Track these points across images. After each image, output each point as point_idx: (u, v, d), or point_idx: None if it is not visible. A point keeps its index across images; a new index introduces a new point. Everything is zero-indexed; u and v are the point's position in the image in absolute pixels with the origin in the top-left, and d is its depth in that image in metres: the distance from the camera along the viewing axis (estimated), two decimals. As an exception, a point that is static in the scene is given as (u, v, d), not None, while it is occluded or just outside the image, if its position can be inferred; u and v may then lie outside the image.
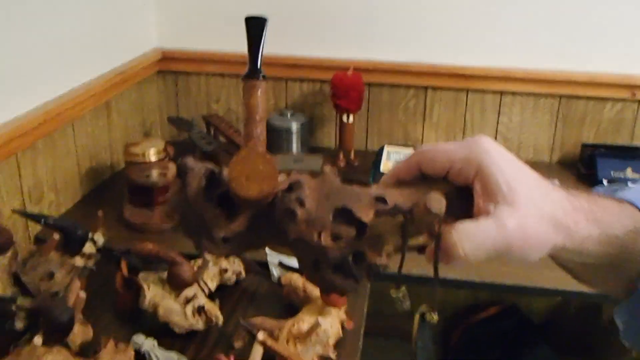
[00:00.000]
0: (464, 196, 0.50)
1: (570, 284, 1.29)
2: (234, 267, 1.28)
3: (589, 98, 1.90)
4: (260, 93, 0.53)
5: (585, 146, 1.90)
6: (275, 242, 0.51)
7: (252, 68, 0.54)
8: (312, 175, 0.51)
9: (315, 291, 1.16)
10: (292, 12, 1.93)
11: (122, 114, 1.84)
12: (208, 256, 1.22)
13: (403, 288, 0.52)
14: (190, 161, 0.51)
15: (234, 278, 1.28)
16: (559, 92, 1.90)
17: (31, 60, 1.41)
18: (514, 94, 1.93)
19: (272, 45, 1.94)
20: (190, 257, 1.18)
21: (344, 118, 1.86)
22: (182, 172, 0.50)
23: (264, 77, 0.54)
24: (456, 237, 0.47)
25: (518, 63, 1.89)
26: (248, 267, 1.31)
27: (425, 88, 1.96)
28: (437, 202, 0.45)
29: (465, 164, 0.49)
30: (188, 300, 1.14)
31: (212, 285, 1.22)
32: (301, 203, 0.48)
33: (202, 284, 1.20)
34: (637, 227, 0.50)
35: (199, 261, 1.22)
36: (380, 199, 0.49)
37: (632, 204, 0.51)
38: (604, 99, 1.90)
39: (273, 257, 1.30)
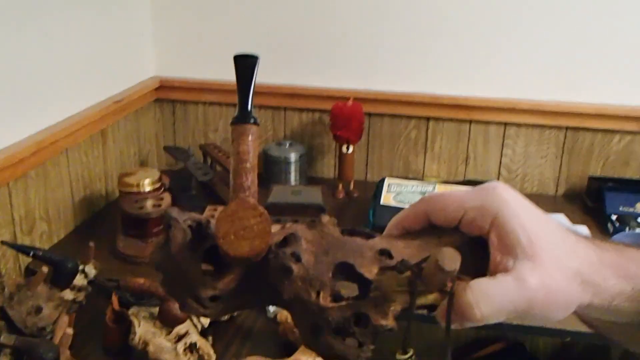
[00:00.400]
0: (478, 249, 0.46)
1: (579, 325, 1.27)
2: (228, 302, 1.24)
3: (596, 130, 1.86)
4: (252, 139, 0.47)
5: (592, 179, 1.86)
6: (269, 302, 0.47)
7: (241, 111, 0.48)
8: (308, 226, 0.47)
9: (312, 329, 1.12)
10: (292, 41, 1.92)
11: (118, 143, 1.81)
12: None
13: (411, 351, 0.47)
14: (174, 212, 0.46)
15: (228, 314, 1.24)
16: (565, 123, 1.86)
17: (25, 88, 1.39)
18: (518, 125, 1.90)
19: (271, 75, 1.93)
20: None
21: (344, 149, 1.83)
22: (167, 225, 0.46)
23: (255, 121, 0.48)
24: (472, 297, 0.43)
25: (523, 94, 1.86)
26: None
27: (427, 119, 1.93)
28: (451, 259, 0.41)
29: (480, 213, 0.45)
30: (180, 338, 1.10)
31: (205, 321, 1.18)
32: (297, 258, 0.44)
33: (194, 320, 1.16)
34: None
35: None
36: (385, 253, 0.45)
37: None
38: (611, 131, 1.86)
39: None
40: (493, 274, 0.44)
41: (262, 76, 1.73)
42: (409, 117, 1.94)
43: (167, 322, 1.08)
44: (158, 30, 1.98)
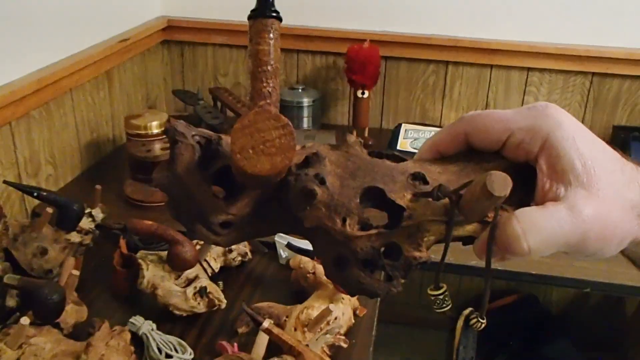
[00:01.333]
0: (522, 177, 0.40)
1: (601, 275, 1.24)
2: (239, 247, 1.20)
3: (624, 77, 1.79)
4: (273, 36, 0.39)
5: (617, 128, 1.80)
6: (287, 229, 0.41)
7: (261, 2, 0.39)
8: (332, 147, 0.41)
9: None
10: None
11: (125, 86, 1.76)
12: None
13: (444, 287, 0.42)
14: (181, 125, 0.40)
15: (239, 259, 1.20)
16: (592, 69, 1.79)
17: (27, 24, 1.33)
18: (541, 71, 1.83)
19: (282, 15, 1.85)
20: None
21: (359, 94, 1.77)
22: (172, 140, 0.40)
23: (277, 15, 0.39)
24: (519, 227, 0.38)
25: (547, 37, 1.78)
26: (254, 247, 1.23)
27: (446, 63, 1.86)
28: (502, 184, 0.35)
29: (529, 135, 0.40)
30: (189, 282, 1.07)
31: (216, 266, 1.15)
32: (321, 181, 0.39)
33: (204, 264, 1.12)
34: None
35: (202, 241, 1.14)
36: (419, 177, 0.40)
37: None
38: (640, 78, 1.79)
39: (281, 238, 1.21)
40: (540, 203, 0.39)
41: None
42: (428, 61, 1.87)
43: (176, 266, 1.03)
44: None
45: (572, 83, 1.83)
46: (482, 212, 0.38)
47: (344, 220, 0.38)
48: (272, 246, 1.24)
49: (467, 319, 0.42)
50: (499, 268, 1.26)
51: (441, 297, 0.41)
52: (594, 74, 1.80)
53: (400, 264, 0.38)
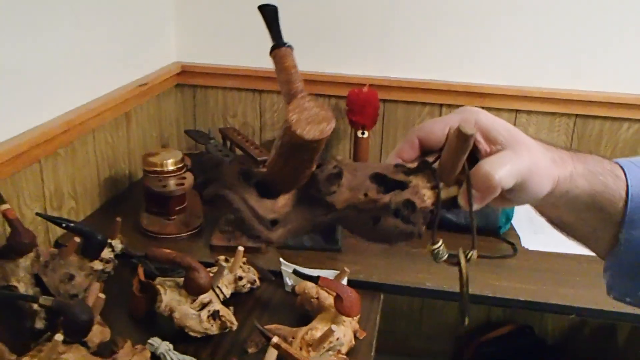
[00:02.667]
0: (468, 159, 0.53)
1: (585, 301, 1.31)
2: (248, 275, 1.30)
3: (605, 118, 1.91)
4: (293, 57, 0.54)
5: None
6: (323, 220, 0.51)
7: (277, 40, 0.55)
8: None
9: (329, 300, 1.17)
10: (310, 29, 1.96)
11: (141, 125, 1.88)
12: (223, 263, 1.24)
13: (440, 241, 0.53)
14: (213, 154, 0.52)
15: (248, 286, 1.30)
16: (575, 111, 1.91)
17: (56, 70, 1.45)
18: (529, 112, 1.94)
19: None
20: (205, 265, 1.20)
21: (359, 134, 1.88)
22: (213, 164, 0.51)
23: (290, 45, 0.55)
24: (488, 166, 0.51)
25: (534, 82, 1.91)
26: (262, 275, 1.33)
27: (441, 105, 1.98)
28: (470, 125, 0.48)
29: (463, 123, 0.53)
30: (203, 306, 1.16)
31: (227, 292, 1.24)
32: (339, 169, 0.51)
33: (217, 290, 1.22)
34: (617, 174, 0.55)
35: (215, 268, 1.24)
36: (401, 166, 0.53)
37: (614, 162, 0.57)
38: (620, 119, 1.90)
39: (287, 266, 1.31)
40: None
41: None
42: (423, 104, 1.99)
43: (192, 290, 1.14)
44: (181, 17, 2.04)
45: (558, 124, 1.94)
46: (456, 167, 0.51)
47: (365, 195, 0.51)
48: (279, 274, 1.34)
49: (465, 255, 0.54)
50: (490, 295, 1.35)
51: (440, 248, 0.54)
52: (577, 115, 1.92)
53: (417, 214, 0.51)
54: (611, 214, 0.56)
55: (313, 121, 0.46)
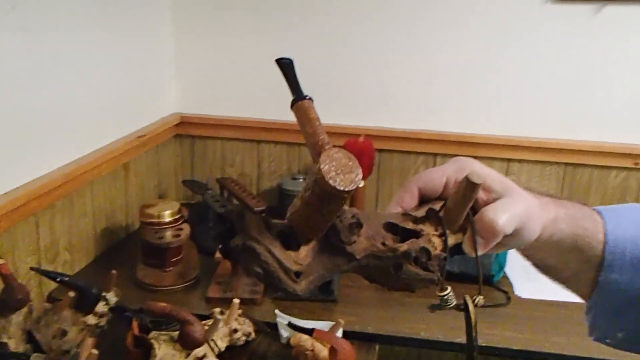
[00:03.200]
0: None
1: (577, 350, 1.31)
2: (243, 327, 1.29)
3: (593, 166, 1.95)
4: (314, 109, 0.57)
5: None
6: (342, 268, 0.53)
7: (297, 93, 0.58)
8: None
9: (324, 352, 1.17)
10: (306, 81, 1.99)
11: (139, 176, 1.90)
12: (218, 316, 1.24)
13: (449, 288, 0.56)
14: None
15: (243, 339, 1.29)
16: (565, 160, 1.95)
17: (55, 123, 1.47)
18: (520, 161, 1.98)
19: (286, 112, 2.00)
20: (200, 317, 1.19)
21: (355, 183, 1.89)
22: (237, 214, 0.52)
23: (310, 98, 0.58)
24: (491, 213, 0.53)
25: (524, 132, 1.95)
26: (257, 327, 1.32)
27: (435, 155, 2.01)
28: (477, 175, 0.51)
29: (460, 172, 0.56)
30: (198, 360, 1.15)
31: (222, 345, 1.23)
32: (358, 219, 0.52)
33: (212, 344, 1.21)
34: (595, 218, 0.59)
35: (210, 321, 1.24)
36: (408, 215, 0.55)
37: (590, 208, 0.61)
38: (608, 168, 1.94)
39: (282, 318, 1.31)
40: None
41: (277, 114, 1.85)
42: (418, 153, 2.01)
43: (187, 344, 1.13)
44: (179, 70, 2.08)
45: (548, 172, 1.98)
46: (461, 216, 0.53)
47: (383, 243, 0.53)
48: (274, 326, 1.33)
49: (473, 301, 0.57)
50: (484, 345, 1.34)
51: (449, 295, 0.56)
52: (566, 164, 1.96)
53: (433, 261, 0.53)
54: (591, 257, 0.58)
55: (343, 172, 0.47)
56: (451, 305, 0.56)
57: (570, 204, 0.60)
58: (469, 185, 0.50)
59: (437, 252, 0.53)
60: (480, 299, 0.56)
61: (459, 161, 0.58)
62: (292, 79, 0.59)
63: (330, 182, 0.46)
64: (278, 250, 0.50)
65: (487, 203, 0.55)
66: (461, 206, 0.52)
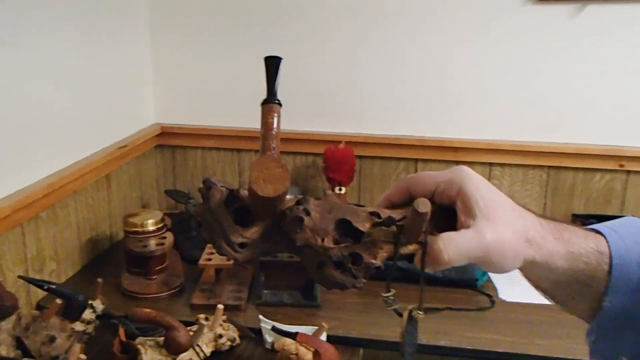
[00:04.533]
0: (448, 214, 0.57)
1: (561, 352, 1.33)
2: (228, 333, 1.31)
3: (577, 169, 1.96)
4: (277, 114, 0.59)
5: (576, 217, 1.94)
6: (284, 249, 0.58)
7: (269, 95, 0.61)
8: (317, 198, 0.59)
9: (307, 355, 1.19)
10: (286, 89, 2.02)
11: (122, 187, 1.91)
12: (203, 321, 1.25)
13: (393, 291, 0.58)
14: (213, 178, 0.60)
15: (228, 344, 1.31)
16: (548, 163, 1.97)
17: (36, 135, 1.49)
18: (502, 165, 2.00)
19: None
20: (186, 324, 1.21)
21: (336, 190, 1.92)
22: (207, 186, 0.58)
23: (279, 102, 0.60)
24: (442, 244, 0.54)
25: (506, 136, 1.97)
26: (242, 333, 1.34)
27: (416, 160, 2.03)
28: (424, 204, 0.52)
29: (449, 185, 0.56)
30: (184, 365, 1.16)
31: (207, 350, 1.25)
32: (307, 212, 0.56)
33: (197, 349, 1.23)
34: (601, 250, 0.57)
35: (195, 327, 1.25)
36: (375, 214, 0.57)
37: (598, 232, 0.59)
38: (592, 170, 1.95)
39: (266, 323, 1.33)
40: (459, 230, 0.56)
41: (257, 122, 1.85)
42: (398, 159, 2.04)
43: (172, 349, 1.15)
44: (159, 80, 2.10)
45: (531, 176, 2.00)
46: (417, 232, 0.54)
47: (322, 239, 0.56)
48: (259, 331, 1.35)
49: (410, 313, 0.58)
50: (468, 347, 1.36)
51: (392, 297, 0.58)
52: (549, 167, 1.97)
53: (362, 268, 0.55)
54: (592, 287, 0.57)
55: (270, 180, 0.52)
56: (392, 307, 0.58)
57: (574, 235, 0.57)
58: (414, 212, 0.52)
59: (372, 260, 0.55)
60: (419, 314, 0.58)
61: (455, 172, 0.57)
62: (272, 79, 0.62)
63: (254, 187, 0.52)
64: (227, 224, 0.56)
65: (462, 225, 0.55)
66: (413, 226, 0.54)
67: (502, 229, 0.54)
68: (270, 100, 0.60)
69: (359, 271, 0.55)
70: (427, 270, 0.55)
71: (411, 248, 0.56)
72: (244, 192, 0.57)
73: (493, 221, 0.54)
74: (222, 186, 0.58)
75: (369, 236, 0.56)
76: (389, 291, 0.58)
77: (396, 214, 0.56)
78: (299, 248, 0.56)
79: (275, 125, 0.59)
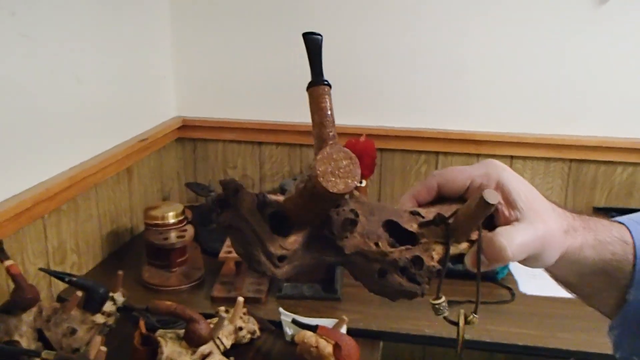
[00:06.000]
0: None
1: (583, 345, 1.32)
2: (248, 325, 1.31)
3: (599, 162, 1.94)
4: (328, 97, 0.53)
5: (597, 210, 1.93)
6: (330, 260, 0.52)
7: (316, 77, 0.54)
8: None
9: (328, 348, 1.18)
10: (305, 80, 2.01)
11: (143, 180, 1.91)
12: (223, 314, 1.25)
13: (443, 297, 0.53)
14: (238, 180, 0.51)
15: (248, 337, 1.31)
16: (569, 156, 1.95)
17: (60, 128, 1.49)
18: (524, 158, 1.98)
19: (287, 114, 2.03)
20: (206, 316, 1.21)
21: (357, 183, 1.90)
22: (233, 189, 0.50)
23: (328, 84, 0.54)
24: (504, 240, 0.51)
25: (528, 128, 1.95)
26: (262, 325, 1.34)
27: (437, 153, 2.02)
28: (494, 195, 0.47)
29: (486, 178, 0.54)
30: (204, 357, 1.17)
31: (228, 343, 1.25)
32: (355, 214, 0.50)
33: (217, 341, 1.23)
34: (625, 240, 0.56)
35: (215, 319, 1.25)
36: (417, 213, 0.53)
37: (621, 223, 0.58)
38: (614, 163, 1.93)
39: (286, 316, 1.32)
40: (504, 225, 0.53)
41: (279, 115, 1.86)
42: (419, 152, 2.03)
43: (193, 341, 1.15)
44: (180, 74, 2.10)
45: (553, 169, 1.98)
46: (470, 229, 0.51)
47: (376, 244, 0.51)
48: (279, 324, 1.35)
49: (465, 318, 0.54)
50: (489, 341, 1.35)
51: (442, 305, 0.53)
52: (571, 160, 1.95)
53: (424, 272, 0.51)
54: (618, 279, 0.56)
55: (340, 174, 0.45)
56: (443, 315, 0.54)
57: (600, 224, 0.57)
58: (482, 204, 0.47)
59: (432, 263, 0.50)
60: (474, 319, 0.54)
61: (489, 165, 0.55)
62: (315, 59, 0.55)
63: (323, 182, 0.44)
64: (265, 233, 0.49)
65: (507, 220, 0.53)
66: (471, 220, 0.50)
67: (548, 221, 0.53)
68: (319, 82, 0.54)
69: (422, 276, 0.51)
70: (483, 268, 0.51)
71: (462, 247, 0.53)
72: (271, 197, 0.51)
73: (539, 213, 0.53)
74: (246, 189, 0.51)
75: (422, 237, 0.51)
76: (439, 297, 0.53)
77: (433, 212, 0.53)
78: (347, 257, 0.50)
79: (329, 110, 0.53)
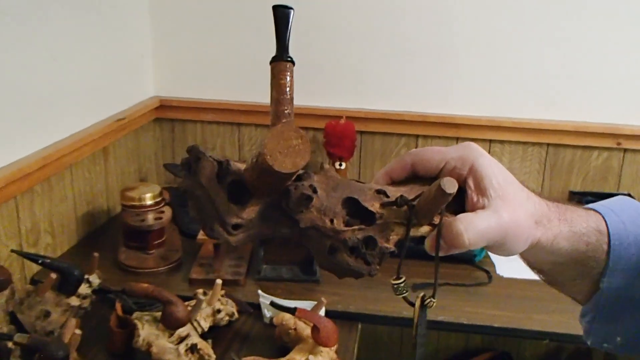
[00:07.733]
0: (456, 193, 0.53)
1: (558, 326, 1.34)
2: (226, 308, 1.30)
3: (575, 147, 1.97)
4: (289, 74, 0.52)
5: (573, 194, 1.95)
6: (284, 232, 0.51)
7: (280, 51, 0.53)
8: (315, 172, 0.52)
9: (306, 330, 1.18)
10: (287, 63, 1.99)
11: (119, 160, 1.88)
12: (201, 296, 1.24)
13: (403, 277, 0.53)
14: (201, 147, 0.51)
15: (226, 319, 1.30)
16: (547, 140, 1.97)
17: (34, 106, 1.46)
18: (502, 142, 1.99)
19: (266, 95, 2.00)
20: (184, 298, 1.20)
21: (337, 165, 1.90)
22: (195, 157, 0.50)
23: (291, 59, 0.53)
24: (462, 226, 0.50)
25: (506, 113, 1.96)
26: (240, 308, 1.33)
27: (417, 136, 2.02)
28: (452, 184, 0.47)
29: (460, 162, 0.53)
30: (181, 340, 1.16)
31: (205, 325, 1.24)
32: (314, 190, 0.50)
33: (195, 324, 1.22)
34: (600, 229, 0.56)
35: (193, 302, 1.24)
36: (382, 192, 0.52)
37: (597, 212, 0.57)
38: (590, 148, 1.96)
39: (265, 298, 1.32)
40: (471, 211, 0.52)
41: (258, 97, 1.84)
42: (399, 135, 2.02)
43: (170, 324, 1.14)
44: (158, 53, 2.07)
45: (530, 153, 1.99)
46: (432, 214, 0.50)
47: (331, 220, 0.50)
48: (257, 306, 1.34)
49: (422, 300, 0.54)
50: (466, 322, 1.36)
51: (402, 285, 0.53)
52: (548, 144, 1.97)
53: (376, 253, 0.50)
54: (592, 267, 0.56)
55: (288, 153, 0.45)
56: (402, 295, 0.53)
57: (576, 214, 0.56)
58: (439, 192, 0.47)
59: (386, 244, 0.50)
60: (432, 302, 0.53)
61: (466, 149, 0.54)
62: (282, 32, 0.54)
63: (269, 161, 0.44)
64: (220, 201, 0.49)
65: (474, 207, 0.52)
66: (432, 206, 0.49)
67: (517, 210, 0.52)
68: (281, 57, 0.53)
69: (374, 257, 0.50)
70: (441, 252, 0.51)
71: (423, 230, 0.52)
72: (235, 165, 0.50)
73: (508, 202, 0.52)
74: (210, 156, 0.50)
75: (381, 216, 0.51)
76: (399, 277, 0.53)
77: (401, 192, 0.52)
78: (302, 230, 0.50)
79: (288, 87, 0.52)
